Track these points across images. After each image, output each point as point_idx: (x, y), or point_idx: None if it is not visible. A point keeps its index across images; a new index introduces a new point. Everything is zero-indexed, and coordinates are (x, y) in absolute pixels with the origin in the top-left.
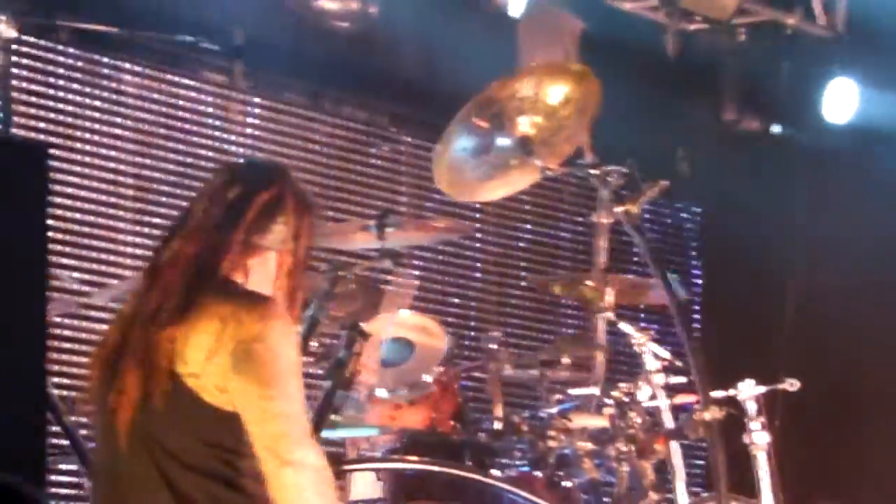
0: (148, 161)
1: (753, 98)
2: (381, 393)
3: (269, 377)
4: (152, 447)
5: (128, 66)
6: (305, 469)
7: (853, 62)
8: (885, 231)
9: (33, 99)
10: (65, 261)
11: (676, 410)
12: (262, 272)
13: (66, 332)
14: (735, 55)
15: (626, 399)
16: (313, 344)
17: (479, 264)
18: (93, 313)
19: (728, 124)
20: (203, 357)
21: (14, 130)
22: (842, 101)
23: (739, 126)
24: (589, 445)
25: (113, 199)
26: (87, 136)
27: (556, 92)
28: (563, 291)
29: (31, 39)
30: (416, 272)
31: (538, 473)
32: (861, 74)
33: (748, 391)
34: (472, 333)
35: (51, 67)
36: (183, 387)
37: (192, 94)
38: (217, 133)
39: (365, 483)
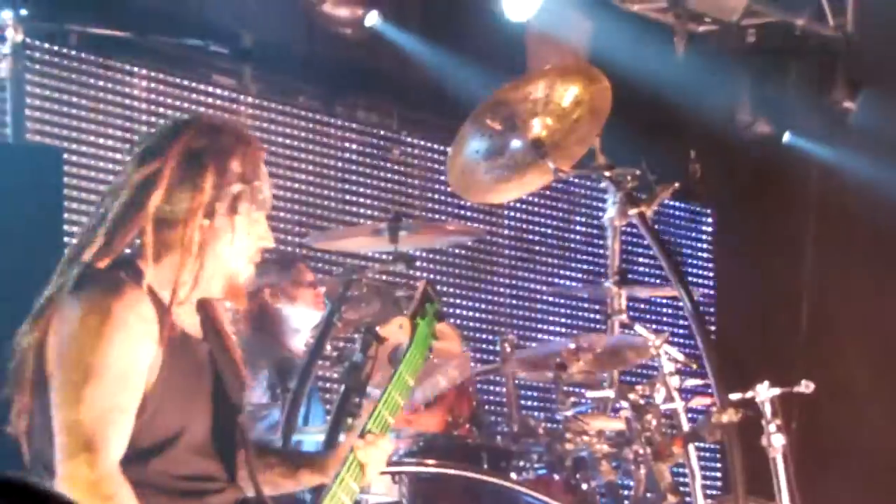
0: None
1: (763, 100)
2: None
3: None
4: None
5: (138, 69)
6: (73, 484)
7: (861, 64)
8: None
9: (46, 104)
10: None
11: (693, 413)
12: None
13: None
14: (744, 56)
15: (642, 401)
16: (328, 347)
17: (492, 267)
18: None
19: (739, 126)
20: None
21: (28, 136)
22: (847, 102)
23: (750, 128)
24: (606, 448)
25: None
26: (100, 140)
27: (568, 94)
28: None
29: (42, 44)
30: (429, 275)
31: (556, 476)
32: (869, 76)
33: (764, 393)
34: (488, 336)
35: (62, 72)
36: None
37: (202, 97)
38: None
39: (382, 486)
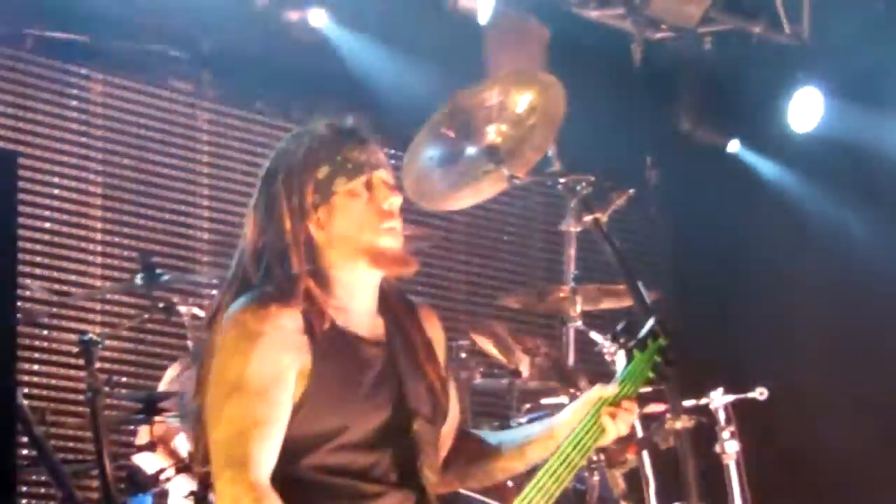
0: (116, 170)
1: (718, 107)
2: None
3: (208, 399)
4: None
5: (94, 74)
6: (220, 492)
7: (818, 71)
8: (852, 238)
9: (1, 108)
10: (33, 270)
11: (647, 419)
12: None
13: (36, 342)
14: (700, 64)
15: None
16: None
17: (448, 272)
18: (63, 322)
19: (694, 133)
20: None
21: None
22: (806, 110)
23: (704, 135)
24: None
25: (81, 209)
26: (55, 144)
27: (523, 100)
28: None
29: None
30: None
31: (509, 483)
32: (825, 83)
33: (718, 400)
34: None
35: (17, 76)
36: None
37: (159, 102)
38: (184, 142)
39: None
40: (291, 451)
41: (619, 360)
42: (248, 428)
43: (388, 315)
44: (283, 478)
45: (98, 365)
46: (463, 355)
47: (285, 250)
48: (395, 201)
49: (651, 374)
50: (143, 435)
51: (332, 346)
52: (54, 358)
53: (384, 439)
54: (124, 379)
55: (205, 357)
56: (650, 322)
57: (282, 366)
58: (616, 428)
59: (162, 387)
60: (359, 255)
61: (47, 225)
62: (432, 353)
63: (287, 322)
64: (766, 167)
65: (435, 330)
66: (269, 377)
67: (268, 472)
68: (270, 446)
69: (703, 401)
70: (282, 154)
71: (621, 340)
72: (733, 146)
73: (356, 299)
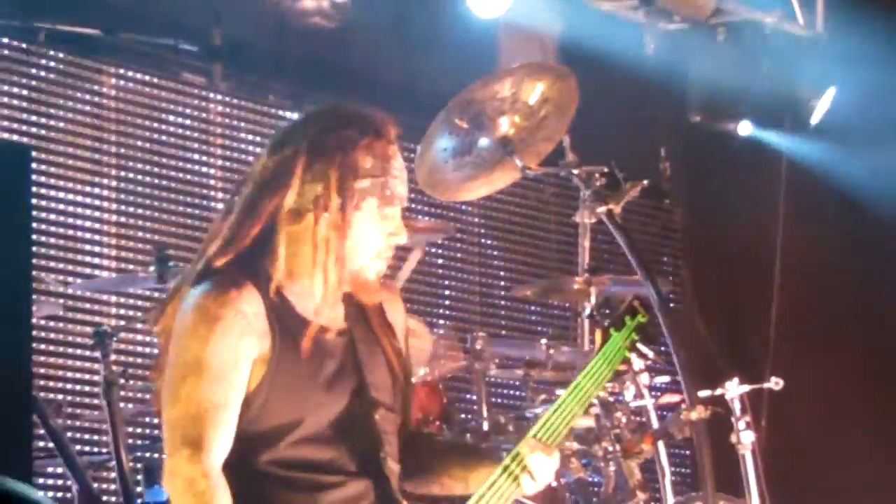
0: (129, 163)
1: (732, 98)
2: None
3: (166, 378)
4: None
5: (107, 67)
6: (172, 479)
7: (831, 62)
8: (869, 226)
9: (14, 102)
10: (48, 263)
11: (662, 410)
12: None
13: (52, 335)
14: (713, 55)
15: (611, 399)
16: None
17: (462, 264)
18: (78, 315)
19: (708, 124)
20: None
21: None
22: (819, 100)
23: (718, 126)
24: (575, 445)
25: (95, 201)
26: (69, 138)
27: (535, 91)
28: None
29: (10, 42)
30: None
31: None
32: (838, 74)
33: (734, 390)
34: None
35: (30, 70)
36: None
37: (172, 95)
38: (197, 134)
39: None
40: (249, 447)
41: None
42: (206, 410)
43: (349, 302)
44: (242, 472)
45: (113, 357)
46: (478, 346)
47: (272, 230)
48: (402, 240)
49: (627, 354)
50: None
51: (291, 334)
52: (70, 350)
53: (344, 430)
54: (139, 371)
55: (163, 339)
56: (628, 299)
57: (240, 351)
58: (538, 471)
59: None
60: (342, 268)
61: (61, 218)
62: (394, 340)
63: (247, 307)
64: (779, 156)
65: (397, 313)
66: (227, 362)
67: (221, 459)
68: (226, 431)
69: (719, 391)
70: (315, 131)
71: (598, 319)
72: (745, 128)
73: (320, 290)
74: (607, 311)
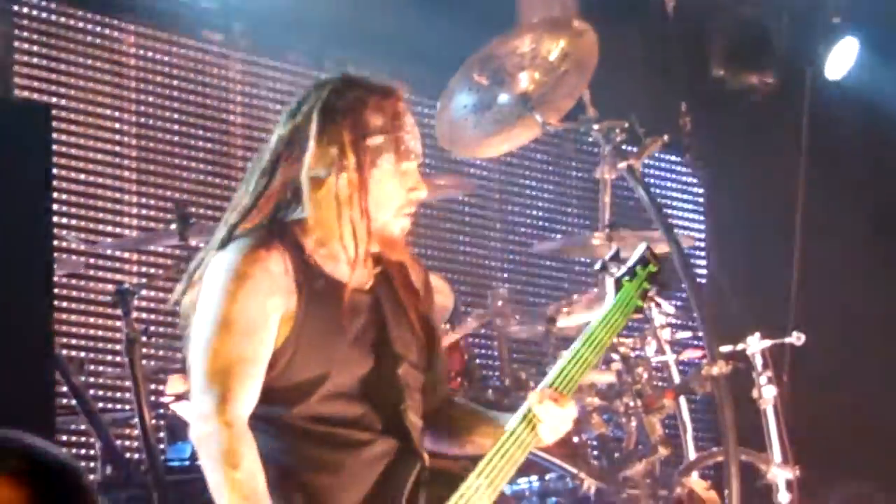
0: (150, 121)
1: (753, 53)
2: None
3: (193, 333)
4: None
5: (126, 25)
6: (197, 428)
7: (854, 16)
8: (888, 182)
9: (34, 60)
10: (70, 221)
11: (684, 366)
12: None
13: (73, 293)
14: (734, 10)
15: (632, 355)
16: None
17: (482, 220)
18: (99, 273)
19: (729, 78)
20: None
21: (15, 92)
22: (842, 55)
23: (740, 80)
24: (597, 401)
25: (116, 159)
26: (89, 96)
27: (555, 47)
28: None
29: (30, 0)
30: (420, 229)
31: None
32: (862, 29)
33: (755, 345)
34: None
35: (50, 28)
36: None
37: (191, 53)
38: (217, 92)
39: None
40: (280, 401)
41: (654, 308)
42: (234, 363)
43: (375, 263)
44: (275, 426)
45: (134, 315)
46: (500, 303)
47: (297, 190)
48: (422, 195)
49: (640, 303)
50: (176, 384)
51: (318, 292)
52: (91, 308)
53: (371, 387)
54: (161, 329)
55: (191, 296)
56: (639, 249)
57: (268, 308)
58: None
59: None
60: (368, 222)
61: (82, 176)
62: (418, 302)
63: (275, 267)
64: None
65: (420, 282)
66: (255, 318)
67: (247, 412)
68: (253, 384)
69: (740, 346)
70: (325, 96)
71: (610, 270)
72: (769, 79)
73: (348, 250)
74: (619, 262)
